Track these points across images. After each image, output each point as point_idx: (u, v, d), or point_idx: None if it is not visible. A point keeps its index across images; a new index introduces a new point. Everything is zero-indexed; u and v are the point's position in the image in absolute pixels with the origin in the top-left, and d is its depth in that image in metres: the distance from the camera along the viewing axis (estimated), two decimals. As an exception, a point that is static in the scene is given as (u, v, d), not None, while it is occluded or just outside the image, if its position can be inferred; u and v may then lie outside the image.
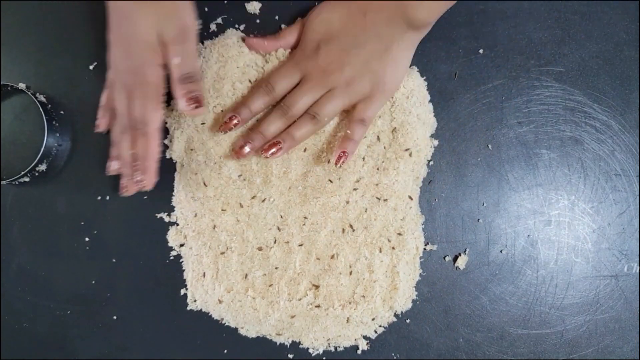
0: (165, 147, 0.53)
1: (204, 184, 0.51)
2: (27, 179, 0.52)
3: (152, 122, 0.46)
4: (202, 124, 0.51)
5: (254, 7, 0.53)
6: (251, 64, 0.51)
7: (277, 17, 0.53)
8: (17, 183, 0.53)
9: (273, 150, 0.48)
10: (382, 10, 0.45)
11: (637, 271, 0.52)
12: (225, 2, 0.53)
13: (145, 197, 0.53)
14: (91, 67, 0.53)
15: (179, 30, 0.45)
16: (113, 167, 0.50)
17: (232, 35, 0.52)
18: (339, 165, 0.48)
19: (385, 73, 0.48)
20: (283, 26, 0.52)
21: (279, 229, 0.51)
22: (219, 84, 0.50)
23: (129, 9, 0.44)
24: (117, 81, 0.47)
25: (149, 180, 0.47)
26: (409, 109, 0.50)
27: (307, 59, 0.48)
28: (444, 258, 0.52)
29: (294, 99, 0.48)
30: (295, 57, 0.49)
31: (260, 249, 0.51)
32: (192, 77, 0.46)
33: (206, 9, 0.53)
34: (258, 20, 0.53)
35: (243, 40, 0.51)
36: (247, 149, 0.48)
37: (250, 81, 0.51)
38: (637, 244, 0.52)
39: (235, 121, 0.48)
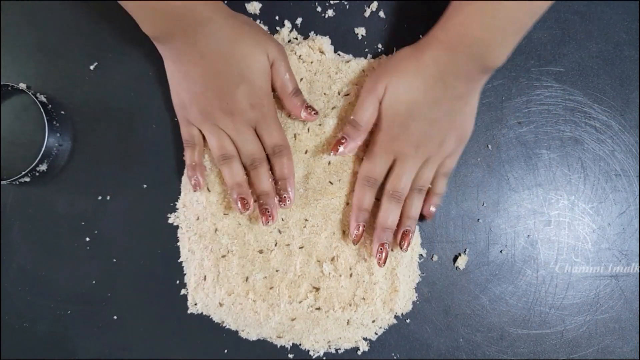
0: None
1: (208, 189, 0.51)
2: (27, 179, 0.52)
3: (287, 141, 0.49)
4: None
5: (254, 7, 0.53)
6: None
7: (277, 17, 0.53)
8: (17, 183, 0.53)
9: (407, 240, 0.49)
10: (460, 70, 0.43)
11: (637, 271, 0.52)
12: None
13: (146, 197, 0.53)
14: (91, 67, 0.53)
15: (278, 47, 0.47)
16: (241, 207, 0.48)
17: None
18: (430, 219, 0.50)
19: (466, 125, 0.48)
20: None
21: (279, 231, 0.51)
22: None
23: (228, 47, 0.44)
24: (229, 126, 0.47)
25: (292, 194, 0.49)
26: None
27: (396, 140, 0.46)
28: (444, 258, 0.52)
29: (399, 183, 0.47)
30: (384, 140, 0.47)
31: (261, 251, 0.51)
32: (299, 90, 0.49)
33: (206, 9, 0.53)
34: (259, 21, 0.53)
35: (335, 149, 0.48)
36: (384, 249, 0.48)
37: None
38: (637, 244, 0.52)
39: (362, 228, 0.48)
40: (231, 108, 0.46)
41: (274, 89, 0.49)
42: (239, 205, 0.48)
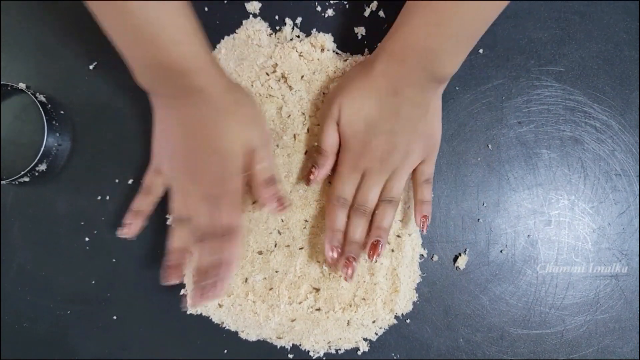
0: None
1: None
2: (27, 179, 0.52)
3: (239, 228, 0.45)
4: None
5: (254, 7, 0.53)
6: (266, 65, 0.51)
7: (277, 17, 0.53)
8: (17, 183, 0.53)
9: (376, 251, 0.47)
10: (412, 81, 0.44)
11: (637, 271, 0.52)
12: (225, 2, 0.53)
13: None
14: (91, 67, 0.53)
15: (261, 135, 0.46)
16: (170, 274, 0.47)
17: (249, 25, 0.52)
18: (425, 231, 0.49)
19: (433, 129, 0.47)
20: (288, 73, 0.52)
21: (279, 232, 0.51)
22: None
23: (212, 121, 0.44)
24: (191, 193, 0.45)
25: (225, 286, 0.45)
26: None
27: (360, 156, 0.47)
28: (444, 258, 0.52)
29: (365, 197, 0.47)
30: (348, 160, 0.48)
31: (260, 253, 0.51)
32: (274, 179, 0.47)
33: (206, 9, 0.53)
34: (259, 19, 0.53)
35: (307, 180, 0.49)
36: (350, 263, 0.47)
37: (267, 74, 0.51)
38: (637, 244, 0.52)
39: (337, 251, 0.47)
40: (195, 178, 0.45)
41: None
42: (170, 270, 0.47)
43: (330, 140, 0.48)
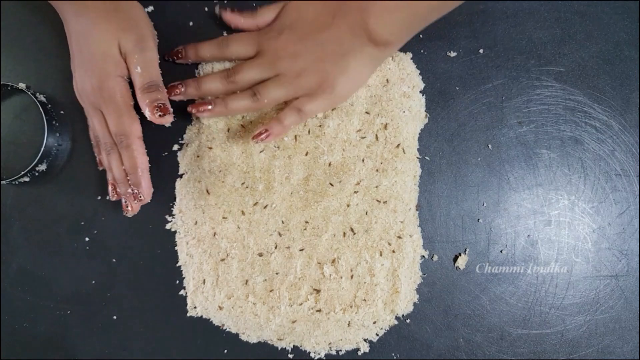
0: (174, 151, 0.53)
1: (207, 191, 0.51)
2: (27, 179, 0.52)
3: (132, 134, 0.48)
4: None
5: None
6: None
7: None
8: (17, 183, 0.53)
9: (202, 108, 0.48)
10: (347, 17, 0.45)
11: (637, 271, 0.52)
12: (226, 2, 0.53)
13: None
14: (91, 67, 0.53)
15: (137, 40, 0.47)
16: (111, 193, 0.50)
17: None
18: (255, 141, 0.47)
19: (336, 78, 0.47)
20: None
21: (280, 234, 0.51)
22: None
23: (86, 27, 0.46)
24: (87, 104, 0.49)
25: (145, 191, 0.48)
26: (399, 100, 0.51)
27: (267, 37, 0.48)
28: (444, 258, 0.52)
29: (240, 68, 0.48)
30: (260, 32, 0.49)
31: (260, 254, 0.51)
32: (155, 86, 0.47)
33: (206, 9, 0.53)
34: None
35: (221, 12, 0.50)
36: (174, 96, 0.48)
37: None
38: (637, 244, 0.52)
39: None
40: (82, 90, 0.48)
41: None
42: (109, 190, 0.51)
43: (266, 12, 0.49)
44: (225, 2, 0.53)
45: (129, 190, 0.48)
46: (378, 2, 0.44)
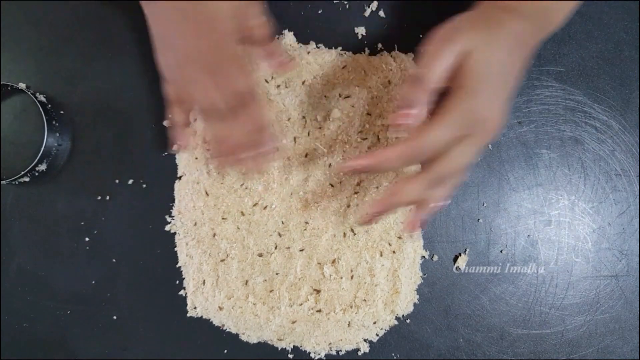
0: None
1: (206, 193, 0.51)
2: (27, 179, 0.52)
3: (253, 91, 0.42)
4: None
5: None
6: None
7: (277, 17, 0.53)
8: (17, 183, 0.53)
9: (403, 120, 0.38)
10: (536, 40, 0.40)
11: (637, 271, 0.52)
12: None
13: (146, 197, 0.53)
14: (91, 67, 0.53)
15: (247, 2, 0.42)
16: (222, 164, 0.46)
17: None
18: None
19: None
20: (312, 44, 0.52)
21: (279, 234, 0.51)
22: None
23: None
24: (192, 73, 0.42)
25: (274, 142, 0.44)
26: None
27: (475, 109, 0.37)
28: (444, 258, 0.52)
29: (446, 167, 0.38)
30: (462, 107, 0.37)
31: (260, 255, 0.51)
32: (272, 35, 0.44)
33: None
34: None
35: (397, 121, 0.37)
36: (375, 218, 0.42)
37: (267, 81, 0.51)
38: (637, 244, 0.52)
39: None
40: (193, 56, 0.41)
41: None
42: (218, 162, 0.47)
43: (442, 68, 0.36)
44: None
45: (253, 152, 0.43)
46: (559, 4, 0.41)
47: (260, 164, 0.44)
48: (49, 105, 0.53)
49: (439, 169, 0.38)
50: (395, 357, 0.52)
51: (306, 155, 0.51)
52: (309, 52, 0.51)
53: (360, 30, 0.52)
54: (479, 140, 0.38)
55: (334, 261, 0.51)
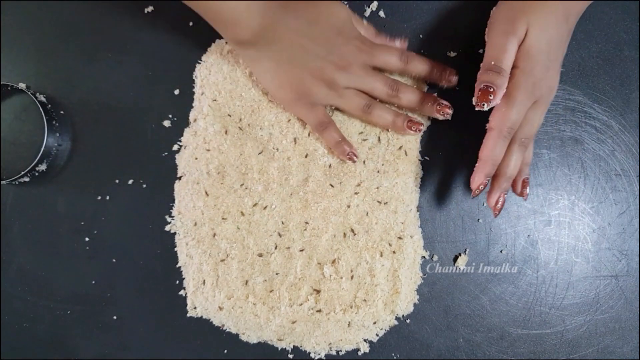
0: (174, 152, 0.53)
1: (206, 193, 0.51)
2: (27, 179, 0.52)
3: (399, 52, 0.49)
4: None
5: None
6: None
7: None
8: (17, 183, 0.53)
9: (527, 187, 0.48)
10: (578, 10, 0.45)
11: (637, 271, 0.52)
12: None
13: (146, 197, 0.53)
14: (91, 67, 0.53)
15: (347, 8, 0.49)
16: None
17: None
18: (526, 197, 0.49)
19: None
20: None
21: (279, 235, 0.51)
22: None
23: (308, 8, 0.46)
24: (355, 72, 0.48)
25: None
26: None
27: (540, 82, 0.44)
28: (444, 258, 0.52)
29: (533, 129, 0.46)
30: (526, 84, 0.43)
31: (260, 255, 0.51)
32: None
33: (206, 9, 0.53)
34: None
35: (486, 99, 0.44)
36: (503, 198, 0.47)
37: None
38: (637, 244, 0.52)
39: (487, 183, 0.46)
40: (343, 62, 0.47)
41: None
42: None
43: (510, 58, 0.44)
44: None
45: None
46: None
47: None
48: (49, 105, 0.53)
49: (523, 133, 0.45)
50: (395, 357, 0.52)
51: (306, 156, 0.51)
52: None
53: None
54: (544, 103, 0.45)
55: (334, 261, 0.51)
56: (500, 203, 0.47)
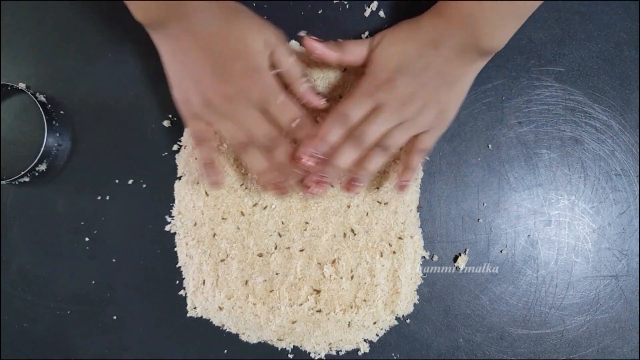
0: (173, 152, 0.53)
1: (206, 193, 0.51)
2: (27, 179, 0.52)
3: (301, 109, 0.46)
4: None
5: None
6: None
7: (277, 16, 0.53)
8: (17, 183, 0.53)
9: (353, 188, 0.46)
10: (454, 42, 0.43)
11: (637, 271, 0.52)
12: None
13: (146, 197, 0.53)
14: (91, 67, 0.53)
15: (277, 34, 0.45)
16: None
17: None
18: (400, 190, 0.48)
19: (450, 104, 0.47)
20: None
21: (279, 235, 0.51)
22: None
23: (225, 29, 0.43)
24: (235, 111, 0.45)
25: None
26: None
27: (380, 89, 0.45)
28: (444, 258, 0.52)
29: (368, 129, 0.45)
30: (367, 86, 0.46)
31: (260, 255, 0.51)
32: (307, 74, 0.48)
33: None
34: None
35: (301, 38, 0.47)
36: (321, 185, 0.46)
37: None
38: (637, 244, 0.52)
39: (316, 160, 0.45)
40: (231, 92, 0.44)
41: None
42: (274, 192, 0.47)
43: (353, 49, 0.46)
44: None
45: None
46: (485, 15, 0.42)
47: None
48: (49, 105, 0.53)
49: (366, 136, 0.46)
50: (395, 357, 0.52)
51: None
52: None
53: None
54: (414, 127, 0.46)
55: (334, 261, 0.51)
56: (316, 188, 0.46)
